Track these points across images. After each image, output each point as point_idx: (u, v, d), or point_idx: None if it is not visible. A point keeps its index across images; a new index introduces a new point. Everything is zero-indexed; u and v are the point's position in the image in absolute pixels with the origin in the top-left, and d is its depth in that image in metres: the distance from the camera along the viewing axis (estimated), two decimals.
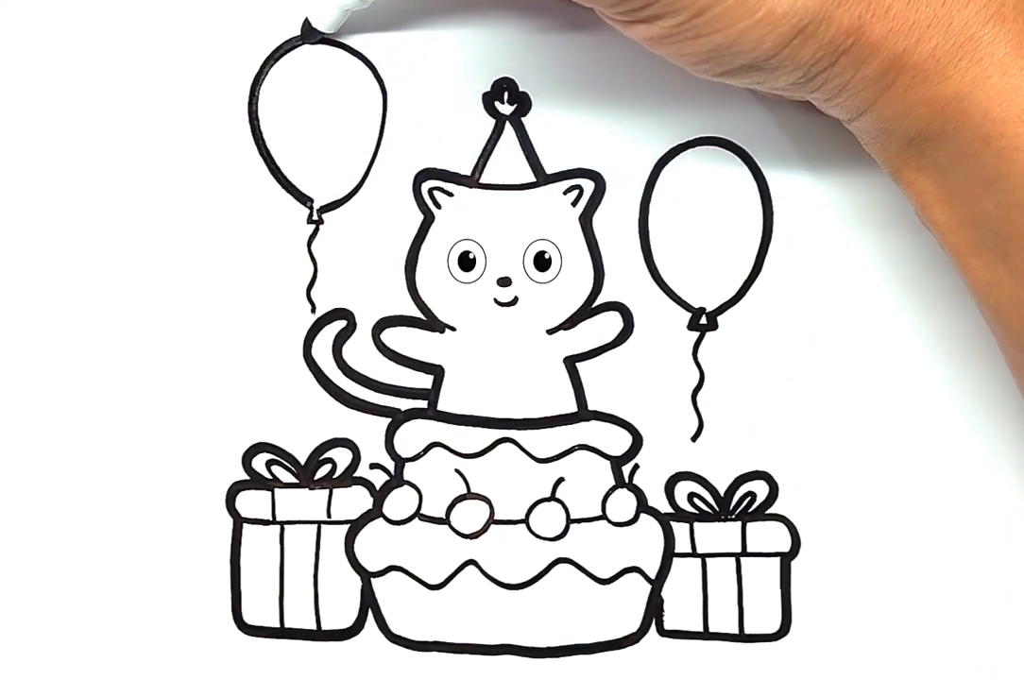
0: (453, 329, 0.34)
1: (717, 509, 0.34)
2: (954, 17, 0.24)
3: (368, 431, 0.34)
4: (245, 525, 0.34)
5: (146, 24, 0.34)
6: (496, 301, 0.34)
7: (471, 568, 0.34)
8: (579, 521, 0.34)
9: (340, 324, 0.34)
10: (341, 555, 0.34)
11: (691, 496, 0.34)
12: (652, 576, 0.34)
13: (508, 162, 0.34)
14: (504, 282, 0.34)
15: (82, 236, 0.34)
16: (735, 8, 0.23)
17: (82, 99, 0.34)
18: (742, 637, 0.34)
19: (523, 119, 0.34)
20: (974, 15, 0.25)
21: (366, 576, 0.34)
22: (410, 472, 0.34)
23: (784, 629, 0.34)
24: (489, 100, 0.34)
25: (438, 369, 0.34)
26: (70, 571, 0.34)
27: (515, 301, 0.34)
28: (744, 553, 0.34)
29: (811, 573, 0.34)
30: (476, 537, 0.34)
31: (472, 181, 0.34)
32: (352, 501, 0.34)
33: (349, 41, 0.34)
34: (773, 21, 0.24)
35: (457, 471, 0.34)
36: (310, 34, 0.33)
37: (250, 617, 0.34)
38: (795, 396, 0.34)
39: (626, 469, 0.34)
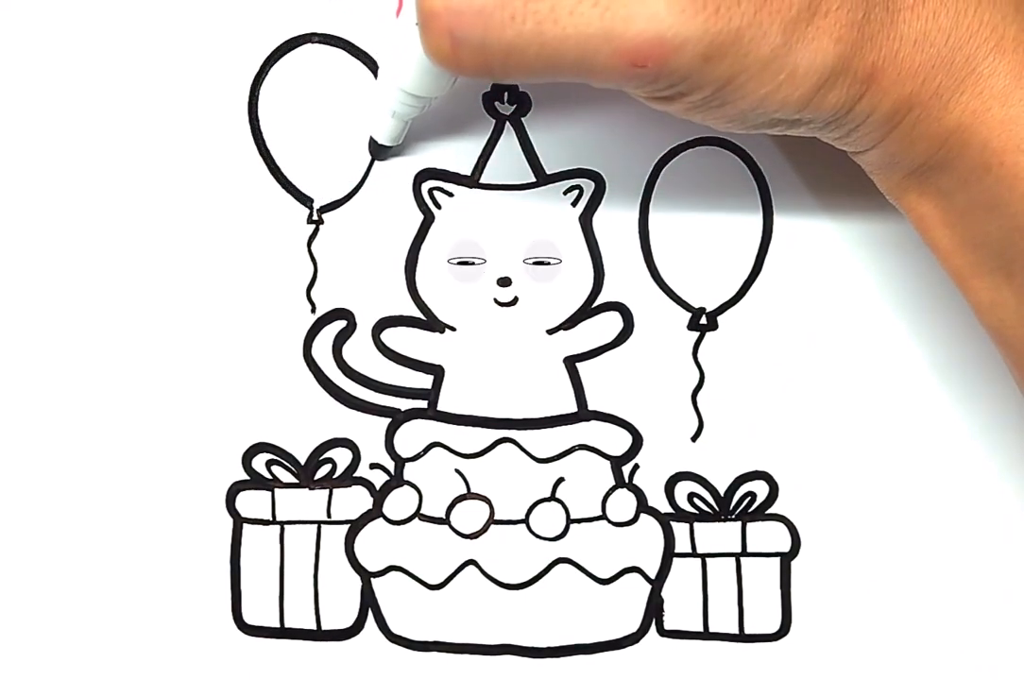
0: (453, 329, 0.34)
1: (717, 509, 0.34)
2: (956, 55, 0.25)
3: (368, 431, 0.34)
4: (245, 525, 0.34)
5: (146, 24, 0.34)
6: (496, 301, 0.34)
7: (471, 568, 0.34)
8: (579, 521, 0.34)
9: (340, 324, 0.34)
10: (341, 555, 0.34)
11: (691, 496, 0.34)
12: (652, 576, 0.34)
13: (508, 162, 0.34)
14: (504, 282, 0.34)
15: (82, 236, 0.34)
16: (758, 75, 0.23)
17: (83, 99, 0.34)
18: (742, 637, 0.34)
19: (523, 119, 0.34)
20: (975, 50, 0.25)
21: (366, 576, 0.34)
22: (410, 472, 0.34)
23: (784, 629, 0.34)
24: (489, 100, 0.34)
25: (438, 369, 0.34)
26: (70, 571, 0.34)
27: (515, 301, 0.34)
28: (744, 553, 0.34)
29: (811, 573, 0.34)
30: (476, 537, 0.34)
31: (472, 181, 0.34)
32: (352, 501, 0.34)
33: (349, 41, 0.34)
34: (796, 81, 0.24)
35: (457, 471, 0.34)
36: (378, 151, 0.33)
37: (250, 617, 0.34)
38: (795, 396, 0.34)
39: (626, 469, 0.34)
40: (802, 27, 0.23)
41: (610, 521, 0.34)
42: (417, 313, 0.34)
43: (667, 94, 0.24)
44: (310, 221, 0.34)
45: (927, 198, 0.27)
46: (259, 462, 0.34)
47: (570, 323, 0.34)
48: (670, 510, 0.34)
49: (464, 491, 0.34)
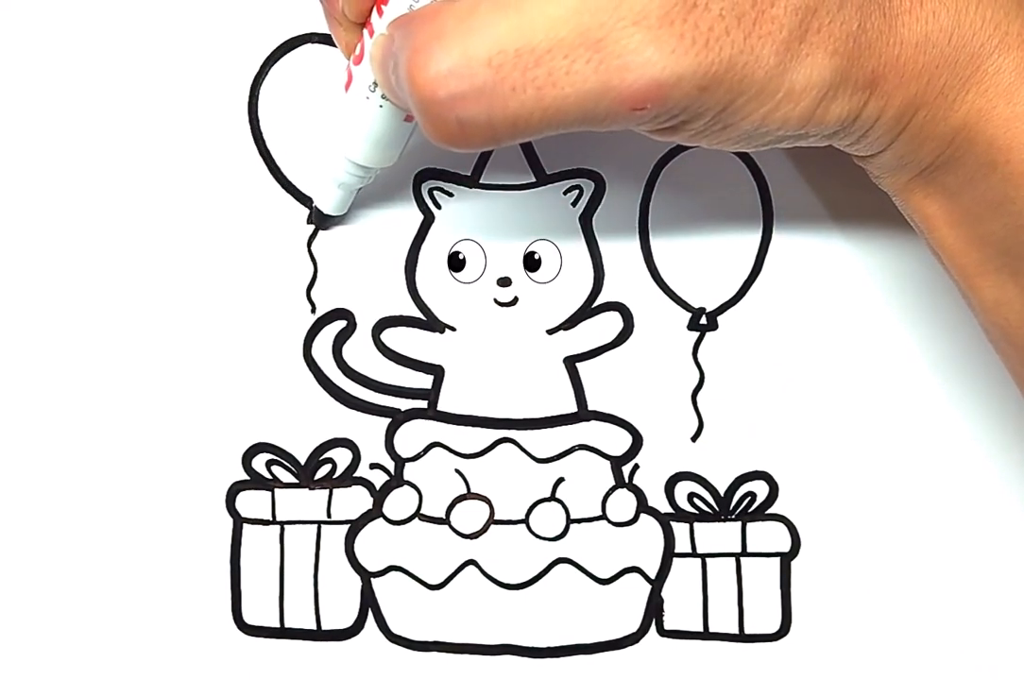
0: (453, 329, 0.34)
1: (717, 509, 0.34)
2: (959, 53, 0.25)
3: (368, 431, 0.34)
4: (245, 525, 0.34)
5: (146, 24, 0.34)
6: (496, 301, 0.34)
7: (471, 568, 0.34)
8: (579, 521, 0.34)
9: (340, 324, 0.34)
10: (341, 555, 0.34)
11: (691, 496, 0.34)
12: (652, 576, 0.34)
13: (508, 162, 0.34)
14: (504, 282, 0.34)
15: (82, 236, 0.34)
16: (756, 97, 0.24)
17: (83, 99, 0.34)
18: (742, 637, 0.34)
19: None
20: (979, 48, 0.25)
21: (366, 576, 0.34)
22: (410, 472, 0.34)
23: (784, 629, 0.34)
24: None
25: (438, 369, 0.34)
26: (71, 571, 0.34)
27: (515, 301, 0.34)
28: (744, 553, 0.34)
29: (811, 573, 0.34)
30: (476, 537, 0.34)
31: (472, 181, 0.34)
32: (352, 501, 0.34)
33: None
34: (794, 98, 0.24)
35: (457, 471, 0.34)
36: (322, 220, 0.33)
37: (250, 617, 0.34)
38: (795, 396, 0.34)
39: (626, 469, 0.34)
40: (795, 46, 0.23)
41: (610, 521, 0.34)
42: (417, 313, 0.34)
43: (669, 125, 0.24)
44: (310, 221, 0.34)
45: (933, 198, 0.27)
46: (259, 462, 0.34)
47: (570, 323, 0.34)
48: (670, 510, 0.34)
49: (464, 491, 0.34)
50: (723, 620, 0.34)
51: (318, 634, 0.34)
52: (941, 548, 0.34)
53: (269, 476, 0.34)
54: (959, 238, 0.27)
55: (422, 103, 0.23)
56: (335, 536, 0.34)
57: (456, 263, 0.34)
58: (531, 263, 0.34)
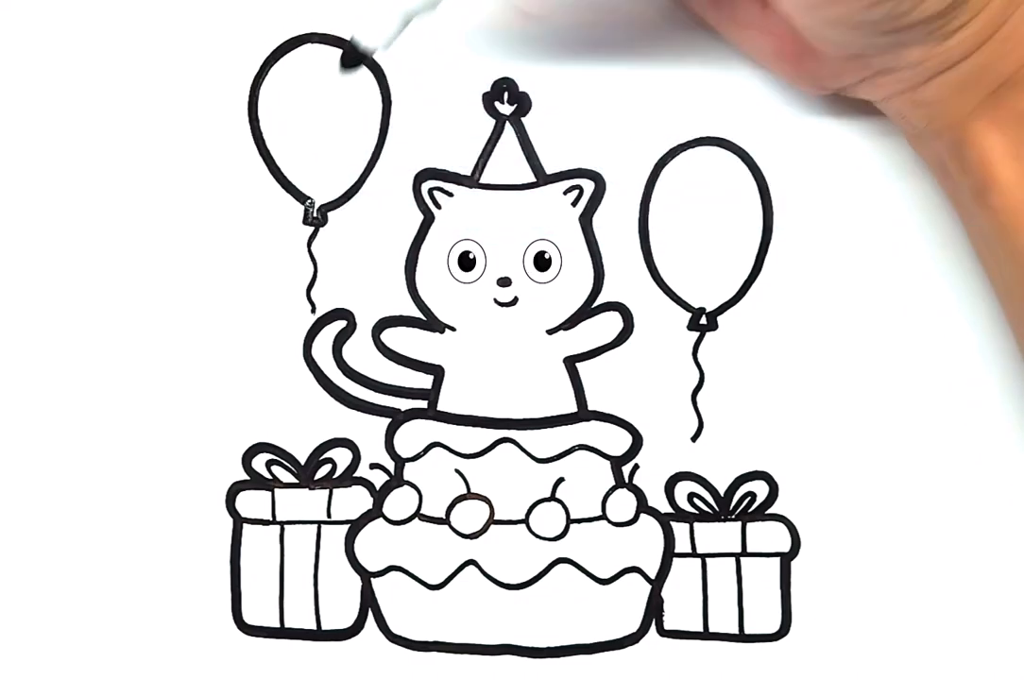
0: (453, 329, 0.34)
1: (717, 509, 0.34)
2: None
3: (368, 431, 0.34)
4: (245, 525, 0.34)
5: (147, 24, 0.34)
6: (496, 301, 0.34)
7: (471, 568, 0.34)
8: (579, 521, 0.34)
9: (340, 324, 0.34)
10: (341, 555, 0.34)
11: (691, 496, 0.34)
12: (652, 576, 0.34)
13: (508, 162, 0.34)
14: (504, 282, 0.34)
15: (82, 236, 0.34)
16: None
17: (83, 99, 0.34)
18: (742, 637, 0.34)
19: (523, 119, 0.34)
20: None
21: (366, 576, 0.34)
22: (410, 472, 0.34)
23: (784, 629, 0.34)
24: (489, 100, 0.34)
25: (438, 369, 0.34)
26: (71, 571, 0.34)
27: (515, 301, 0.34)
28: (744, 553, 0.34)
29: (811, 573, 0.34)
30: (476, 537, 0.34)
31: (472, 181, 0.34)
32: (352, 501, 0.34)
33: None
34: None
35: (457, 471, 0.34)
36: (354, 60, 0.31)
37: (250, 617, 0.34)
38: (795, 396, 0.34)
39: (626, 469, 0.34)
40: None
41: (610, 521, 0.34)
42: (417, 313, 0.34)
43: None
44: (306, 221, 0.34)
45: (998, 125, 0.26)
46: (259, 462, 0.34)
47: (570, 323, 0.34)
48: (670, 510, 0.34)
49: (464, 491, 0.34)
50: (723, 620, 0.34)
51: (318, 634, 0.34)
52: (941, 548, 0.34)
53: (269, 476, 0.34)
54: (1017, 171, 0.26)
55: None
56: (335, 536, 0.34)
57: (467, 262, 0.34)
58: (541, 262, 0.34)
